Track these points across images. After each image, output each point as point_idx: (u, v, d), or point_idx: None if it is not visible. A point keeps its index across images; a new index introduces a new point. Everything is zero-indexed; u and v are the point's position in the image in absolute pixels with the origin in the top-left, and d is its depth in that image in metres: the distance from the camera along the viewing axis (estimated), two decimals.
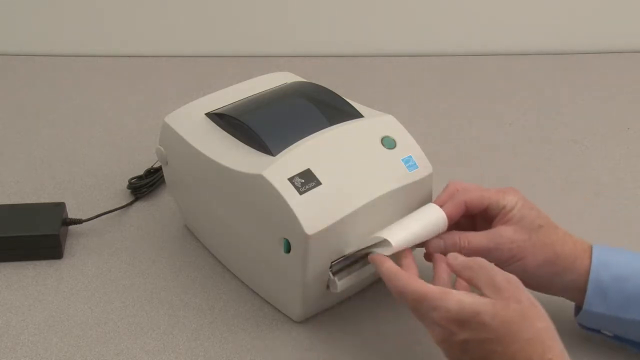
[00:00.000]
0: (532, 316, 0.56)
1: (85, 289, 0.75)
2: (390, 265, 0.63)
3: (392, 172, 0.69)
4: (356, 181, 0.67)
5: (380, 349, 0.69)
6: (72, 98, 1.07)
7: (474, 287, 0.60)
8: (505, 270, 0.60)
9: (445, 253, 0.65)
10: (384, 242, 0.65)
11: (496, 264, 0.61)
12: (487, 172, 0.93)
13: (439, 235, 0.68)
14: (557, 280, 0.66)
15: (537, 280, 0.66)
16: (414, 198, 0.70)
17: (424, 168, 0.71)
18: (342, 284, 0.68)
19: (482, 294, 0.58)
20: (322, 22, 1.18)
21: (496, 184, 0.90)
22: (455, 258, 0.62)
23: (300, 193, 0.64)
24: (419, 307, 0.60)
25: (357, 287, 0.72)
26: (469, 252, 0.65)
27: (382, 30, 1.19)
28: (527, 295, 0.58)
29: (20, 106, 1.05)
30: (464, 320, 0.57)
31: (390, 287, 0.62)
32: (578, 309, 0.67)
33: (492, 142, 0.99)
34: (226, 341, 0.70)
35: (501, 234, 0.66)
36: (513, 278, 0.59)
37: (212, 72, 1.14)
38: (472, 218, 0.70)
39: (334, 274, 0.68)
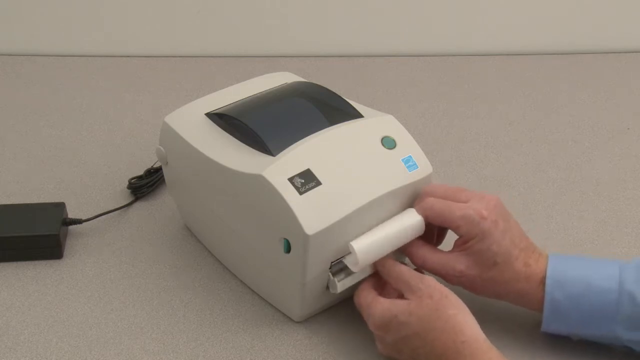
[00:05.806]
0: (443, 307, 0.61)
1: (85, 289, 0.75)
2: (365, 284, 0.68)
3: (392, 172, 0.69)
4: (356, 181, 0.67)
5: None
6: (72, 98, 1.07)
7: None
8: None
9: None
10: (352, 253, 0.66)
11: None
12: (487, 172, 0.93)
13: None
14: (513, 302, 0.68)
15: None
16: (414, 198, 0.70)
17: (424, 168, 0.71)
18: (342, 284, 0.68)
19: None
20: (322, 22, 1.18)
21: (496, 184, 0.90)
22: (383, 265, 0.67)
23: (300, 193, 0.64)
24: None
25: (357, 287, 0.72)
26: (421, 268, 0.69)
27: (382, 30, 1.19)
28: (440, 289, 0.62)
29: (20, 106, 1.05)
30: (386, 324, 0.63)
31: None
32: None
33: (492, 142, 0.99)
34: (226, 341, 0.70)
35: (454, 266, 0.67)
36: (426, 278, 0.64)
37: (212, 72, 1.14)
38: None
39: (334, 274, 0.68)
